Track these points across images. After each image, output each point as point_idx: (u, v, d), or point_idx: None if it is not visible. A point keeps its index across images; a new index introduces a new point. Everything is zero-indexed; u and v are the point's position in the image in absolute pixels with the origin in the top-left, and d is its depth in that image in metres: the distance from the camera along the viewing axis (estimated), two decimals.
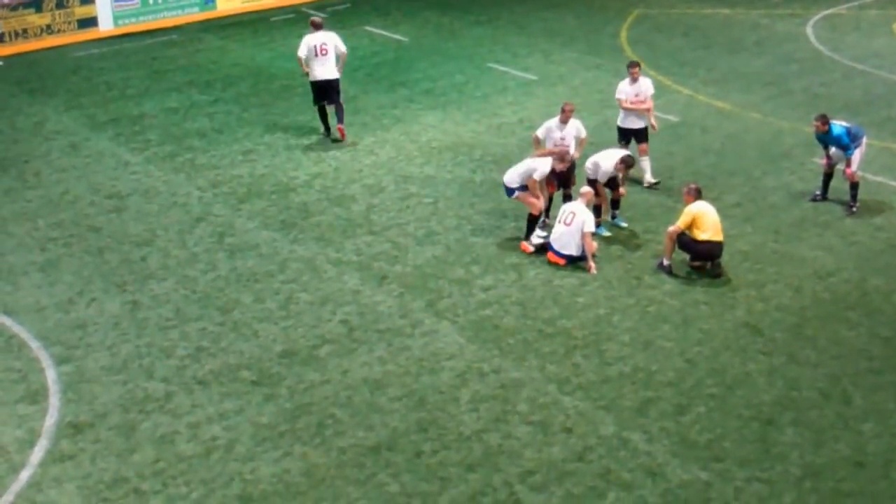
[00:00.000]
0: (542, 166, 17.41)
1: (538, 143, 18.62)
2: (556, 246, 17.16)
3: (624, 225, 18.30)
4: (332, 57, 21.87)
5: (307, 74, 22.07)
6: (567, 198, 18.10)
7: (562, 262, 17.10)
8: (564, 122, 18.41)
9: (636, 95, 19.58)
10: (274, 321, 15.75)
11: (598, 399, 13.84)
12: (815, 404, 13.73)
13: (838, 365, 14.55)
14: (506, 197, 17.90)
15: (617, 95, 19.86)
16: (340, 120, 22.24)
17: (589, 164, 18.02)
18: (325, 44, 21.84)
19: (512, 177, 17.64)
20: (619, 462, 12.68)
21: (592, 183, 17.75)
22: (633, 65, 19.86)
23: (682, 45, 28.68)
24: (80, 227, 18.81)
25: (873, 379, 14.26)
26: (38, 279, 17.04)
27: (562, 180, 18.19)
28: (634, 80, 19.61)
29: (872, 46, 28.20)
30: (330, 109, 22.36)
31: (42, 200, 19.92)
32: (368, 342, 15.17)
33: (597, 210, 17.91)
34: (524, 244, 17.61)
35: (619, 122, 19.90)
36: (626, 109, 19.68)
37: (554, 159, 17.55)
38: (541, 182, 17.52)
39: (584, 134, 18.64)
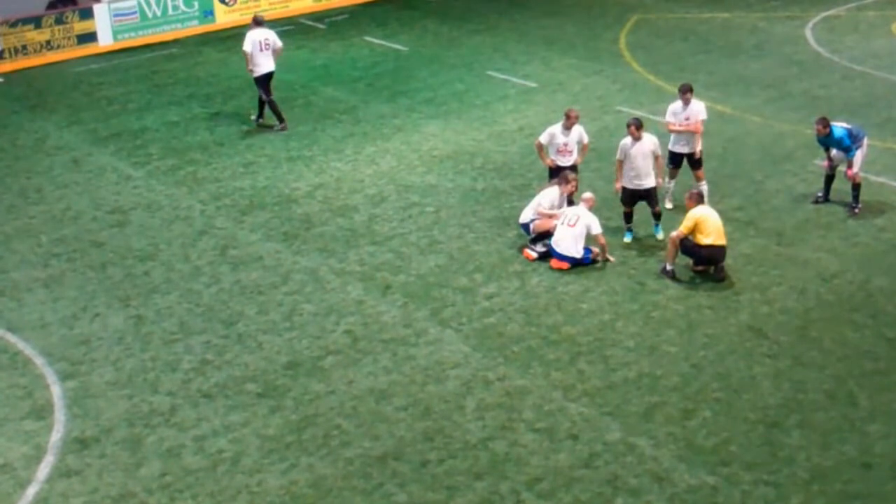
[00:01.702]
0: (544, 195, 17.77)
1: (541, 149, 18.63)
2: (557, 249, 17.16)
3: (660, 236, 17.85)
4: (272, 51, 23.47)
5: (250, 70, 23.42)
6: (569, 202, 18.09)
7: (565, 265, 17.11)
8: (568, 127, 18.38)
9: (686, 119, 18.72)
10: (278, 333, 15.76)
11: (603, 405, 13.83)
12: (822, 406, 13.72)
13: (844, 366, 14.54)
14: (525, 234, 17.94)
15: (666, 118, 19.04)
16: (262, 114, 24.04)
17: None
18: (267, 39, 23.45)
19: (525, 214, 17.91)
20: (625, 468, 12.67)
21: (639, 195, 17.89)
22: (686, 90, 18.72)
23: (681, 50, 28.69)
24: (83, 242, 18.83)
25: (879, 380, 14.24)
26: (41, 295, 17.05)
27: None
28: (686, 103, 18.68)
29: (871, 47, 28.20)
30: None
31: (45, 216, 19.94)
32: (373, 352, 15.17)
33: (627, 217, 17.86)
34: (527, 251, 17.63)
35: (670, 146, 18.95)
36: (673, 132, 18.83)
37: (559, 184, 17.73)
38: (550, 207, 17.72)
39: (586, 140, 18.63)
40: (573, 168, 18.38)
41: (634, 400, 13.93)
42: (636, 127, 17.56)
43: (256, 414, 13.88)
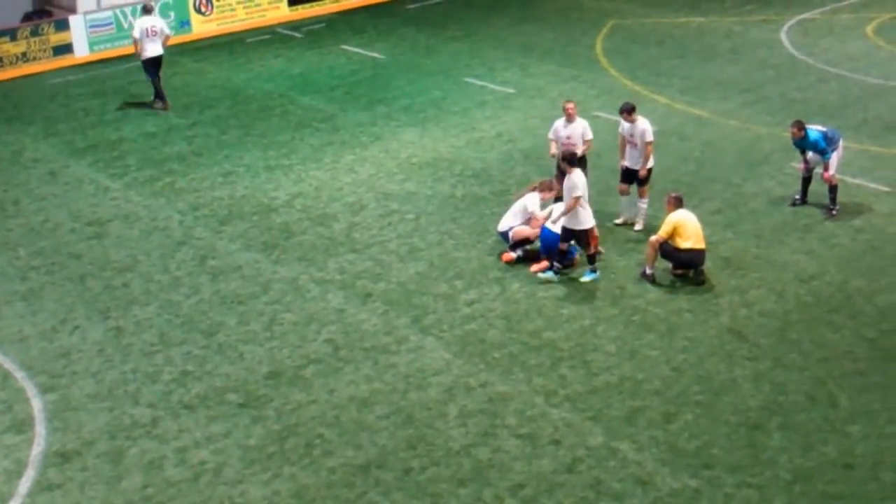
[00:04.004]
0: (531, 202, 17.78)
1: (553, 143, 18.92)
2: (551, 225, 17.15)
3: (585, 280, 16.97)
4: (160, 37, 25.64)
5: (139, 54, 25.69)
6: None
7: (544, 265, 17.10)
8: (570, 121, 18.64)
9: (631, 136, 18.36)
10: (259, 342, 15.72)
11: (585, 410, 13.85)
12: (802, 408, 13.78)
13: (824, 368, 14.61)
14: (504, 241, 17.93)
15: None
16: (161, 96, 26.02)
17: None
18: (154, 26, 25.71)
19: (505, 221, 17.94)
20: (608, 472, 12.69)
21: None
22: (625, 110, 18.39)
23: (657, 55, 28.78)
24: (62, 254, 18.75)
25: (859, 380, 14.32)
26: (20, 308, 16.96)
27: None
28: (632, 123, 18.21)
29: (846, 50, 28.37)
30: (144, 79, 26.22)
31: (22, 229, 19.84)
32: (354, 360, 15.15)
33: (591, 259, 17.07)
34: (507, 254, 17.65)
35: (623, 162, 18.70)
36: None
37: (539, 191, 17.86)
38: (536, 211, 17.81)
39: (589, 136, 18.74)
40: (582, 160, 18.24)
41: (616, 404, 13.96)
42: (563, 158, 17.07)
43: (238, 424, 13.84)
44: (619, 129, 18.70)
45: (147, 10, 26.08)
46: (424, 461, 13.01)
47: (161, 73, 25.99)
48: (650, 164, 18.46)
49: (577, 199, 16.49)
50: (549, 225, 17.24)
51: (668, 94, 25.45)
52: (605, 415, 13.75)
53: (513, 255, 17.64)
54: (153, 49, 25.58)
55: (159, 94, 26.03)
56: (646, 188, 18.57)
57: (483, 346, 15.40)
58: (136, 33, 25.63)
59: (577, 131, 18.62)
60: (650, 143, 18.29)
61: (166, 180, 21.79)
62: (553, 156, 18.84)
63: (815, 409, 13.76)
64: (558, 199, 18.06)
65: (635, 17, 32.52)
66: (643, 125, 18.31)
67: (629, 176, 18.54)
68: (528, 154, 22.08)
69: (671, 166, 21.08)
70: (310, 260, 18.12)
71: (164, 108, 25.82)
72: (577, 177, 16.61)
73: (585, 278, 17.00)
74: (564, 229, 16.84)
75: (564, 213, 16.70)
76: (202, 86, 27.89)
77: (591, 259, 17.00)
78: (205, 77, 28.63)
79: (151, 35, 25.51)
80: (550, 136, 18.95)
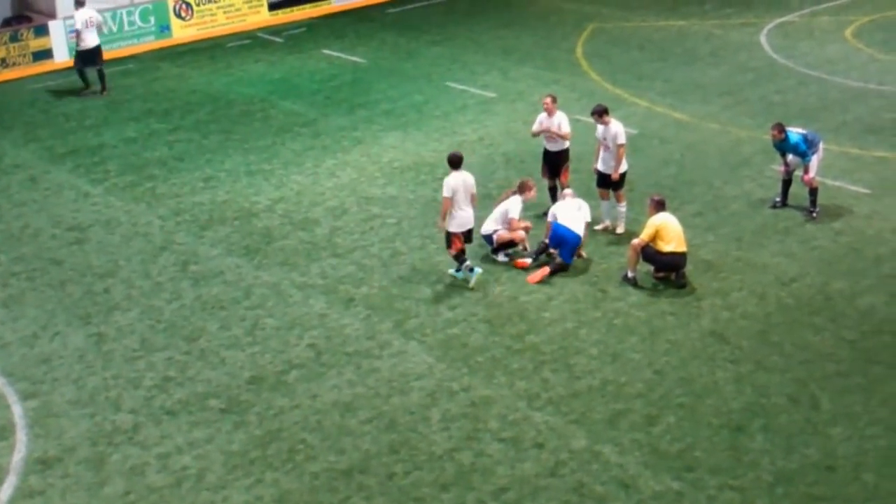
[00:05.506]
0: (512, 205, 17.76)
1: (536, 135, 19.36)
2: (559, 219, 17.36)
3: (453, 272, 17.32)
4: (96, 27, 27.18)
5: (79, 45, 27.15)
6: (554, 189, 18.95)
7: (544, 272, 17.15)
8: (550, 114, 18.88)
9: (604, 139, 18.32)
10: (241, 348, 15.68)
11: (568, 413, 13.87)
12: (784, 410, 13.82)
13: (805, 370, 14.66)
14: (487, 245, 17.94)
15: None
16: (104, 84, 27.62)
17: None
18: (91, 17, 27.22)
19: (488, 225, 17.97)
20: (591, 475, 12.71)
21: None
22: (596, 112, 18.40)
23: (638, 58, 28.85)
24: (42, 260, 18.67)
25: (840, 382, 14.37)
26: (0, 315, 16.88)
27: (553, 170, 19.15)
28: (605, 125, 18.27)
29: (825, 53, 28.50)
30: (92, 72, 27.48)
31: (2, 235, 19.75)
32: (337, 365, 15.13)
33: (456, 257, 17.09)
34: (520, 262, 17.63)
35: (598, 166, 18.77)
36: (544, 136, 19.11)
37: (520, 193, 17.93)
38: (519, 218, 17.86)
39: (564, 130, 18.84)
40: (565, 153, 18.98)
41: (599, 407, 13.98)
42: (449, 158, 17.13)
43: (220, 430, 13.81)
44: (596, 133, 18.72)
45: (81, 3, 27.22)
46: (407, 466, 13.00)
47: (102, 62, 27.52)
48: (623, 167, 18.44)
49: (445, 199, 16.75)
50: (561, 221, 17.39)
51: (649, 97, 25.51)
52: (588, 418, 13.77)
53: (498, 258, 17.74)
54: (91, 39, 27.03)
55: (102, 81, 27.47)
56: (622, 192, 18.59)
57: (465, 350, 15.40)
58: (79, 25, 26.99)
59: (555, 124, 18.90)
60: (622, 145, 18.28)
61: (147, 185, 21.73)
62: (533, 133, 19.38)
63: (797, 411, 13.80)
64: (553, 192, 18.60)
65: (616, 20, 32.60)
66: (616, 128, 18.32)
67: (604, 180, 18.59)
68: (509, 158, 22.10)
69: (652, 169, 21.14)
70: (292, 265, 18.09)
71: (86, 93, 27.53)
72: (447, 178, 16.86)
73: (451, 270, 17.39)
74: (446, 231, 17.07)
75: (442, 215, 16.98)
76: (183, 91, 27.84)
77: (456, 258, 17.08)
78: (185, 82, 28.58)
79: (89, 26, 26.99)
80: (535, 128, 19.15)
